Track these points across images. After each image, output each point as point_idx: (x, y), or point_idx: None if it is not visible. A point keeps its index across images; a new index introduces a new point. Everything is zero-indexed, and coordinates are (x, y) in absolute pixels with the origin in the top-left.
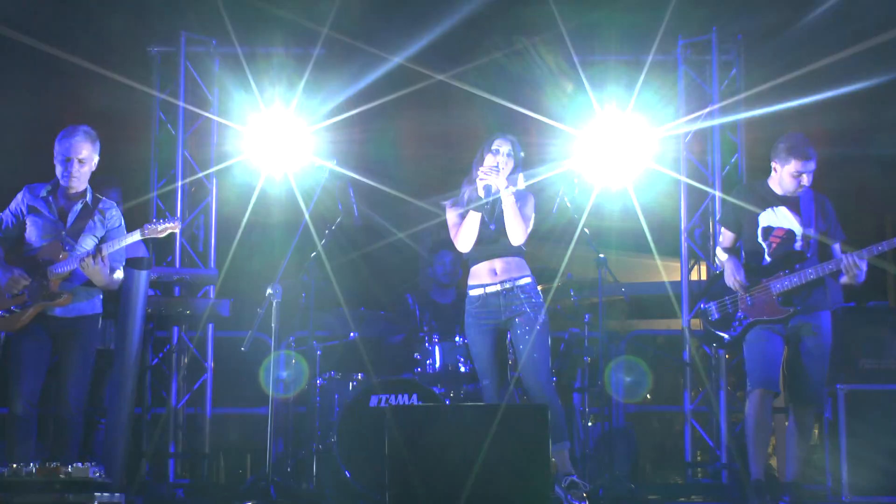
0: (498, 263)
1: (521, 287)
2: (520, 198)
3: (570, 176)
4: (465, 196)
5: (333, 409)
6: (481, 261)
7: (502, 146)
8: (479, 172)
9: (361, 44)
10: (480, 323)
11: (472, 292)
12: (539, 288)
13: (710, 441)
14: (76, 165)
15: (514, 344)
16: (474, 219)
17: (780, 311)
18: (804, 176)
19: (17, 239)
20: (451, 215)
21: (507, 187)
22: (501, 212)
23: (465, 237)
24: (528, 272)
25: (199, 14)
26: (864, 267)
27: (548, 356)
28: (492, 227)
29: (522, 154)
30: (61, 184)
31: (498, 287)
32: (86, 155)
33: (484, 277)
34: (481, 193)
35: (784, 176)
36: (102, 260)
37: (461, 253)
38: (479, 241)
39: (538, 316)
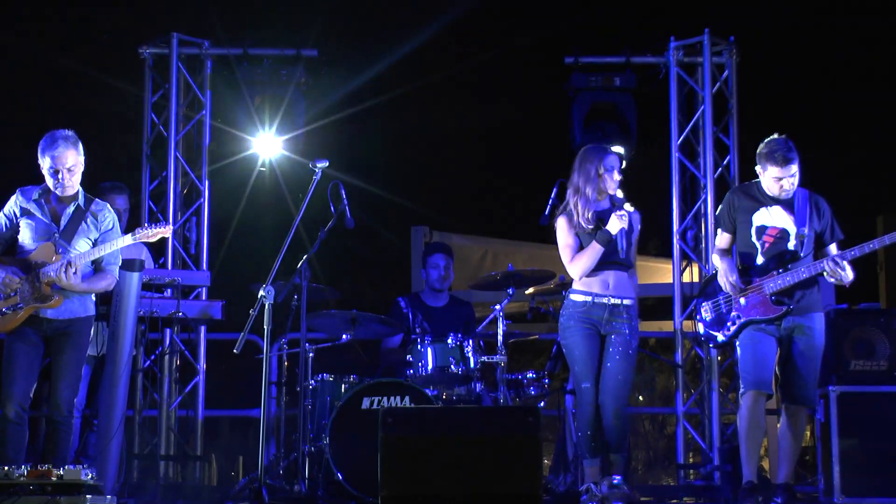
0: (611, 277)
1: (626, 307)
2: (637, 223)
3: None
4: (581, 223)
5: (326, 412)
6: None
7: (616, 163)
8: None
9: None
10: (584, 327)
11: (577, 297)
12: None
13: (703, 443)
14: (66, 175)
15: (603, 359)
16: (599, 253)
17: (773, 310)
18: (785, 181)
19: (10, 241)
20: (566, 237)
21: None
22: (628, 243)
23: (585, 269)
24: (634, 293)
25: (191, 16)
26: (847, 269)
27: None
28: (622, 256)
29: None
30: (53, 191)
31: (605, 301)
32: (73, 162)
33: (594, 287)
34: (613, 231)
35: (766, 180)
36: (76, 272)
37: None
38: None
39: (633, 340)
